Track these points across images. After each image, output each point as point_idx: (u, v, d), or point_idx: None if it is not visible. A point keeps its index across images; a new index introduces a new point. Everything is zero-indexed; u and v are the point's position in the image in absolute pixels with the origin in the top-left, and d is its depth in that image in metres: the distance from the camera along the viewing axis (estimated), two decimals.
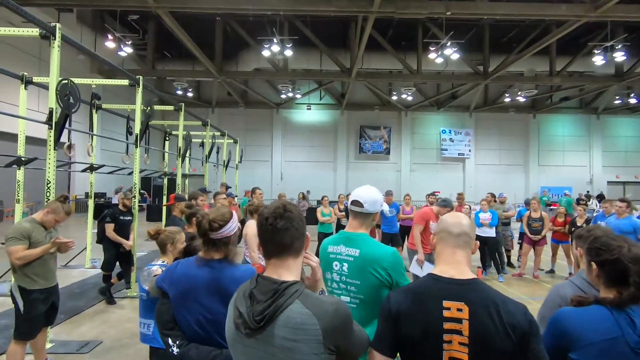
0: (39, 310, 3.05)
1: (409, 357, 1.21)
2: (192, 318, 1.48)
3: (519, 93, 18.95)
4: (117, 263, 5.38)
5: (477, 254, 7.10)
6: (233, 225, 1.58)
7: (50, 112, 3.87)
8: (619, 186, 23.78)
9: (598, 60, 14.37)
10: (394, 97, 20.49)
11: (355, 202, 1.77)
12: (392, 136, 23.28)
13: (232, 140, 13.24)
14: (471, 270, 1.26)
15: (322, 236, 7.36)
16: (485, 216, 6.57)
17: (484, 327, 1.10)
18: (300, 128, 23.31)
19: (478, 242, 1.32)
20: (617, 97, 20.54)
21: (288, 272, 1.10)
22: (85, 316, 4.81)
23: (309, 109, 22.97)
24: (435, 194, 8.46)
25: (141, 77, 5.72)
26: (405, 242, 8.53)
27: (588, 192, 20.95)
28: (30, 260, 2.96)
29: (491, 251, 6.81)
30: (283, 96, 20.48)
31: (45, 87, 4.37)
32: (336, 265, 1.70)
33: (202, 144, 10.73)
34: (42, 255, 3.02)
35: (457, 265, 1.23)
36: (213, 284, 1.47)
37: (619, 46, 13.77)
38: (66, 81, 3.97)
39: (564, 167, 23.78)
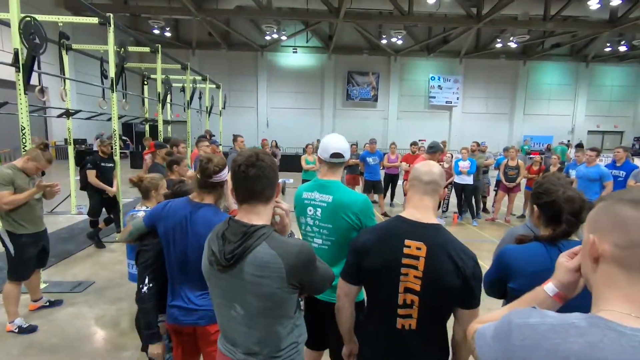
0: (29, 253, 3.16)
1: (371, 286, 1.38)
2: (180, 249, 1.62)
3: (511, 38, 18.44)
4: (104, 209, 5.47)
5: (456, 199, 7.43)
6: (226, 170, 1.69)
7: (16, 54, 3.66)
8: (598, 135, 24.39)
9: (593, 4, 13.95)
10: (384, 41, 19.72)
11: (337, 155, 1.84)
12: (381, 82, 22.78)
13: (214, 85, 12.79)
14: (436, 215, 1.40)
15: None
16: (464, 164, 6.77)
17: (437, 266, 1.26)
18: (286, 73, 22.50)
19: (445, 190, 1.44)
20: (608, 45, 20.26)
21: (258, 217, 1.19)
22: (77, 259, 4.98)
23: (295, 51, 22.02)
24: (421, 142, 8.60)
25: (112, 15, 5.34)
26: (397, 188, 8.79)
27: (568, 141, 21.45)
28: (17, 206, 3.00)
29: (468, 198, 7.12)
30: (268, 38, 19.45)
31: (8, 24, 4.07)
32: (310, 210, 1.82)
33: (182, 89, 10.36)
34: (28, 201, 3.06)
35: (424, 210, 1.36)
36: (205, 223, 1.57)
37: None
38: (29, 18, 3.71)
39: (547, 116, 24.03)
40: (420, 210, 1.35)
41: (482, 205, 8.02)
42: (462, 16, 16.86)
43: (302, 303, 1.77)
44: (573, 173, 5.73)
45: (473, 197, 7.13)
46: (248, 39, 20.46)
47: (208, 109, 11.90)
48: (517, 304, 0.96)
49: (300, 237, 1.80)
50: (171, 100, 9.74)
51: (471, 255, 1.29)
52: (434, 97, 23.07)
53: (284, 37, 19.33)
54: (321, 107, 22.81)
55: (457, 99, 23.19)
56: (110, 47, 5.42)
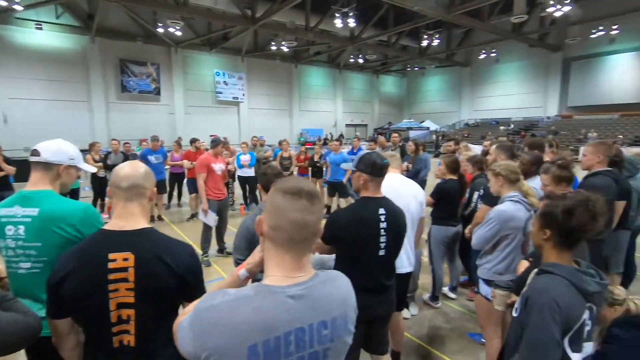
0: None
1: (78, 312, 1.23)
2: None
3: (283, 43, 20.74)
4: None
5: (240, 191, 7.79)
6: None
7: None
8: (352, 128, 30.99)
9: (338, 22, 17.38)
10: (160, 30, 18.23)
11: (33, 151, 1.53)
12: (162, 75, 21.11)
13: None
14: (147, 220, 1.34)
15: None
16: (245, 158, 7.20)
17: (149, 272, 1.21)
18: (28, 54, 17.40)
19: (154, 189, 1.40)
20: (351, 57, 25.84)
21: None
22: None
23: (40, 27, 17.32)
24: (212, 137, 8.47)
25: None
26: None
27: (331, 134, 26.31)
28: None
29: (252, 189, 7.62)
30: None
31: None
32: (10, 230, 1.46)
33: None
34: None
35: (129, 217, 1.27)
36: None
37: (351, 14, 17.05)
38: None
39: (317, 112, 28.61)
40: (124, 218, 1.27)
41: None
42: (239, 16, 17.60)
43: None
44: (328, 159, 7.05)
45: (256, 189, 7.68)
46: None
47: None
48: (216, 287, 1.04)
49: (3, 265, 1.42)
50: None
51: (186, 250, 1.31)
52: (221, 93, 23.35)
53: (18, 7, 14.83)
54: (88, 100, 19.06)
55: (243, 95, 24.30)
56: None
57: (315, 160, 7.73)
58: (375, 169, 1.88)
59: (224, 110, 23.97)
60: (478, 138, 21.44)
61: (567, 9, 15.80)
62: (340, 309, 0.90)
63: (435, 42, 22.16)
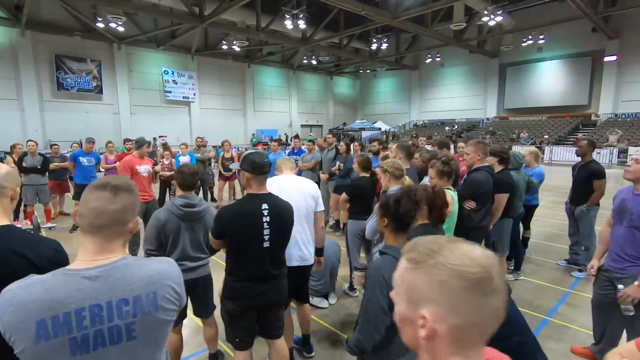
0: None
1: None
2: None
3: (234, 42, 20.48)
4: None
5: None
6: None
7: None
8: (308, 128, 31.23)
9: (288, 24, 17.50)
10: (100, 25, 17.28)
11: None
12: (104, 72, 19.98)
13: None
14: (8, 218, 1.37)
15: None
16: (184, 159, 7.12)
17: (9, 268, 1.24)
18: None
19: (17, 189, 1.45)
20: (304, 58, 26.06)
21: None
22: None
23: None
24: (162, 138, 8.25)
25: None
26: None
27: (286, 134, 26.38)
28: None
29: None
30: None
31: None
32: None
33: None
34: None
35: None
36: None
37: (301, 15, 17.25)
38: None
39: (272, 113, 28.53)
40: None
41: (210, 195, 8.70)
42: (186, 13, 17.14)
43: None
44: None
45: (201, 189, 7.62)
46: None
47: None
48: None
49: None
50: None
51: (51, 245, 1.36)
52: (170, 92, 22.57)
53: None
54: (19, 98, 17.61)
55: (194, 94, 23.65)
56: None
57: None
58: (256, 168, 2.05)
59: (174, 110, 23.19)
60: (425, 138, 22.57)
61: (499, 19, 17.15)
62: (146, 288, 1.03)
63: (384, 46, 23.00)
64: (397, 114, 31.27)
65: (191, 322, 3.32)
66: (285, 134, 26.34)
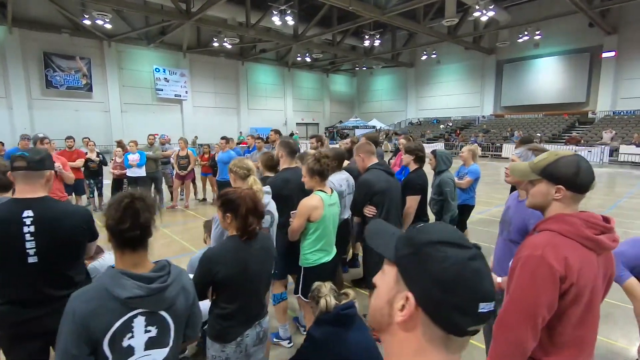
0: None
1: None
2: None
3: (225, 39, 20.29)
4: None
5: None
6: None
7: None
8: (304, 127, 30.98)
9: (276, 20, 17.25)
10: (87, 22, 17.21)
11: None
12: (94, 70, 19.95)
13: None
14: None
15: None
16: (134, 157, 6.91)
17: None
18: None
19: None
20: (298, 55, 25.79)
21: None
22: None
23: None
24: (154, 136, 7.95)
25: None
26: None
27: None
28: None
29: (147, 189, 7.35)
30: None
31: None
32: None
33: None
34: None
35: None
36: None
37: (289, 11, 16.99)
38: None
39: (266, 111, 28.34)
40: None
41: (164, 196, 8.31)
42: (173, 9, 16.98)
43: None
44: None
45: (154, 187, 7.42)
46: None
47: None
48: None
49: None
50: None
51: None
52: (162, 90, 22.50)
53: None
54: (7, 96, 17.64)
55: (186, 92, 23.55)
56: None
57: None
58: None
59: (165, 108, 23.12)
60: (418, 136, 22.19)
61: (491, 13, 16.70)
62: None
63: (377, 43, 22.62)
64: (394, 112, 30.87)
65: None
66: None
